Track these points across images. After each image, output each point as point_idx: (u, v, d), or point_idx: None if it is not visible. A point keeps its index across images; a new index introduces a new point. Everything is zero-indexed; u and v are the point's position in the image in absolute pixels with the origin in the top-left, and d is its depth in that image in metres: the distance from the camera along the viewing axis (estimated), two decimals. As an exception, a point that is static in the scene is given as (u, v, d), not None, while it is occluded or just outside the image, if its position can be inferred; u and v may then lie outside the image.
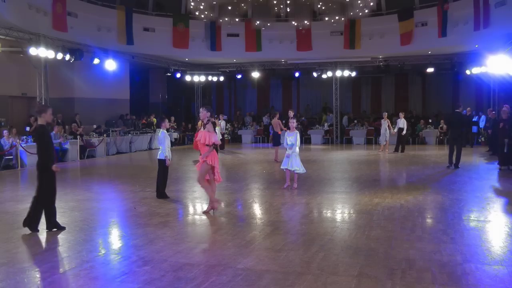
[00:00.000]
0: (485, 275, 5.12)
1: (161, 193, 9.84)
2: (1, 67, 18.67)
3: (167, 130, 10.22)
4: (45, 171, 6.96)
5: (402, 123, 19.79)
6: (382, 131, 20.14)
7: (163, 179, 9.84)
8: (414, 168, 14.94)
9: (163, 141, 9.66)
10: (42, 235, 6.96)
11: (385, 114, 20.64)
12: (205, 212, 8.34)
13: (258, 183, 11.94)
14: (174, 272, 5.31)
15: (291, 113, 17.56)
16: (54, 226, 7.09)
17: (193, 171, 14.80)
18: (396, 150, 19.87)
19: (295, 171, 10.61)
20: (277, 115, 18.16)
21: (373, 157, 18.65)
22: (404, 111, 21.80)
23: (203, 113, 8.21)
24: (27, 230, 7.02)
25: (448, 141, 15.49)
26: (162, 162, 9.73)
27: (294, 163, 10.49)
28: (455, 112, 15.15)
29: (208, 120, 8.15)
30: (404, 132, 19.87)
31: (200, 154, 8.48)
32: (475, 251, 5.97)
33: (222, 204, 9.11)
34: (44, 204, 7.03)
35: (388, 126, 19.96)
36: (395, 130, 19.93)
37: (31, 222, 7.02)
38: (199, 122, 18.87)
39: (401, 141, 20.04)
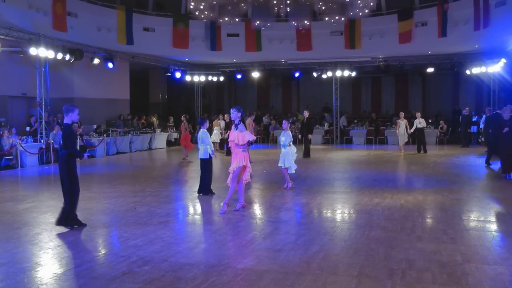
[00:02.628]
0: (485, 275, 5.12)
1: (207, 190, 10.14)
2: (1, 67, 18.64)
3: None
4: (72, 159, 7.16)
5: (421, 123, 19.53)
6: (400, 131, 19.79)
7: (209, 176, 10.17)
8: (414, 168, 14.93)
9: (205, 140, 10.02)
10: (42, 235, 6.96)
11: (402, 114, 20.26)
12: (236, 210, 8.40)
13: (258, 183, 11.93)
14: (174, 272, 5.31)
15: (306, 114, 17.80)
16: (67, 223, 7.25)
17: (194, 171, 14.79)
18: (421, 150, 19.45)
19: (288, 169, 10.73)
20: (252, 116, 18.45)
21: (375, 158, 18.65)
22: (404, 111, 21.72)
23: (235, 114, 8.20)
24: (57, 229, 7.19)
25: (492, 143, 14.45)
26: (204, 161, 10.07)
27: (287, 161, 10.67)
28: (496, 114, 14.77)
29: (240, 121, 8.17)
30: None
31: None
32: (475, 251, 5.97)
33: (222, 204, 9.12)
34: (72, 198, 7.20)
35: (406, 126, 19.66)
36: (412, 130, 19.67)
37: (71, 219, 7.21)
38: (183, 124, 18.65)
39: (423, 141, 19.67)
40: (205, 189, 10.20)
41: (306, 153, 17.88)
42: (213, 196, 10.07)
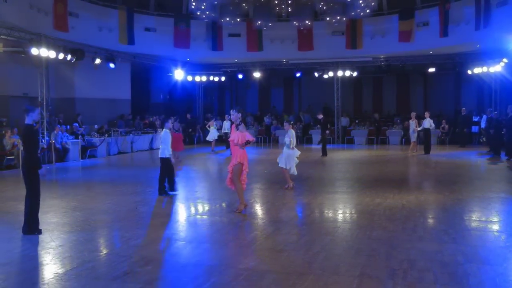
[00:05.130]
0: (486, 275, 5.12)
1: (160, 189, 10.09)
2: (3, 67, 18.66)
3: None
4: (33, 170, 6.91)
5: (428, 123, 19.15)
6: (410, 131, 19.69)
7: (163, 176, 10.10)
8: (416, 168, 14.93)
9: (165, 140, 9.93)
10: (44, 235, 6.95)
11: (414, 114, 19.99)
12: (238, 212, 8.32)
13: (259, 183, 11.93)
14: (176, 272, 5.32)
15: (320, 116, 18.15)
16: (35, 230, 6.94)
17: (194, 171, 14.82)
18: (427, 151, 19.06)
19: (288, 170, 10.76)
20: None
21: (376, 158, 18.63)
22: (405, 111, 21.63)
23: (235, 115, 8.36)
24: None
25: None
26: (163, 160, 10.01)
27: (288, 162, 10.70)
28: None
29: (240, 122, 8.31)
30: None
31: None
32: (476, 252, 5.96)
33: (224, 205, 9.13)
34: (36, 204, 6.92)
35: (416, 125, 19.39)
36: (419, 128, 19.40)
37: (32, 226, 6.92)
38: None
39: (429, 142, 19.39)
40: (160, 189, 10.09)
41: (324, 152, 18.39)
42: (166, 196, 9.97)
